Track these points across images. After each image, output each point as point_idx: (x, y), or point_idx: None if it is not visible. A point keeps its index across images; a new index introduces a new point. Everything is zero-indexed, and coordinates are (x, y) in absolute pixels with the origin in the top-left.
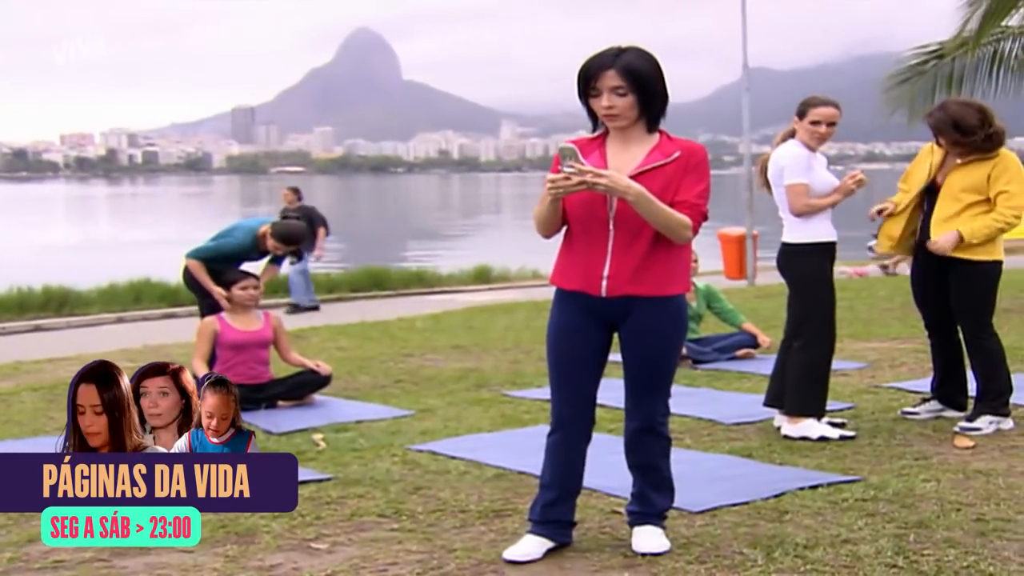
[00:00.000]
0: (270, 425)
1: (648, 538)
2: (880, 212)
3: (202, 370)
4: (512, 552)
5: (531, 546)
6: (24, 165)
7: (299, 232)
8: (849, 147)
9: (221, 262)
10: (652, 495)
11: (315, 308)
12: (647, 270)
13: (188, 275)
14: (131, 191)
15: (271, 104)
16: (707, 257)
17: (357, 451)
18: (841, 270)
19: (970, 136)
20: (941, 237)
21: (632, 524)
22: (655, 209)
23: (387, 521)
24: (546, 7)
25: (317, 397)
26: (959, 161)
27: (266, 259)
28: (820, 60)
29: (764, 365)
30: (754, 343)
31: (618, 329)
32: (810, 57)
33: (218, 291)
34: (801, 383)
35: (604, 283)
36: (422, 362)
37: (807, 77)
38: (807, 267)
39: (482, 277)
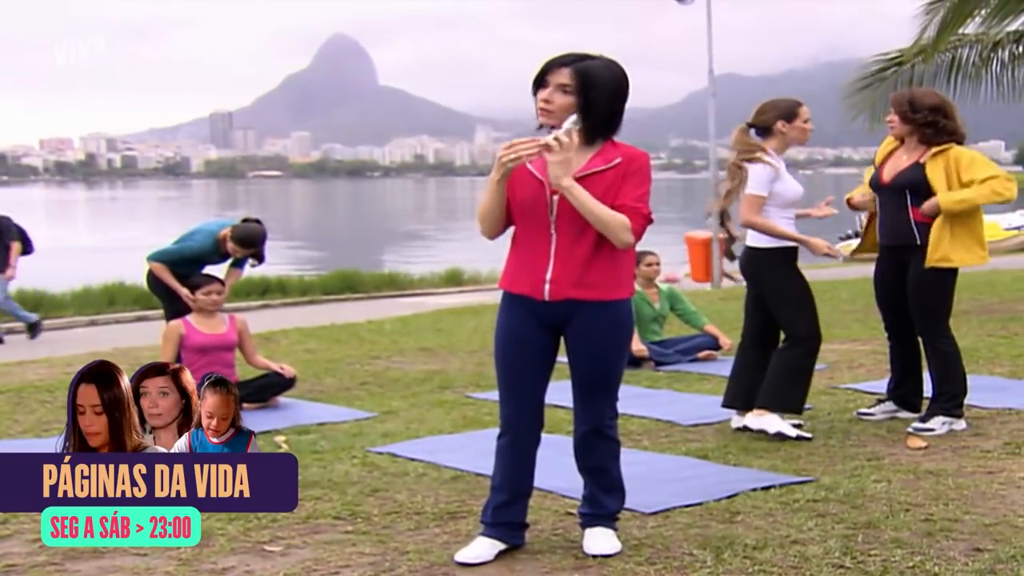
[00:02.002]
0: None
1: (599, 540)
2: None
3: None
4: (463, 554)
5: (482, 548)
6: (3, 169)
7: (258, 235)
8: (817, 152)
9: (184, 265)
10: (602, 497)
11: None
12: (590, 274)
13: (152, 278)
14: (109, 195)
15: (249, 109)
16: (675, 263)
17: (317, 453)
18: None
19: (915, 113)
20: (927, 203)
21: (584, 526)
22: (587, 202)
23: (342, 523)
24: (521, 14)
25: (281, 399)
26: (905, 157)
27: (228, 263)
28: (788, 66)
29: (725, 367)
30: (716, 345)
31: (563, 333)
32: (779, 63)
33: (184, 291)
34: (784, 380)
35: (547, 287)
36: (388, 364)
37: (776, 83)
38: (774, 272)
39: (453, 280)
